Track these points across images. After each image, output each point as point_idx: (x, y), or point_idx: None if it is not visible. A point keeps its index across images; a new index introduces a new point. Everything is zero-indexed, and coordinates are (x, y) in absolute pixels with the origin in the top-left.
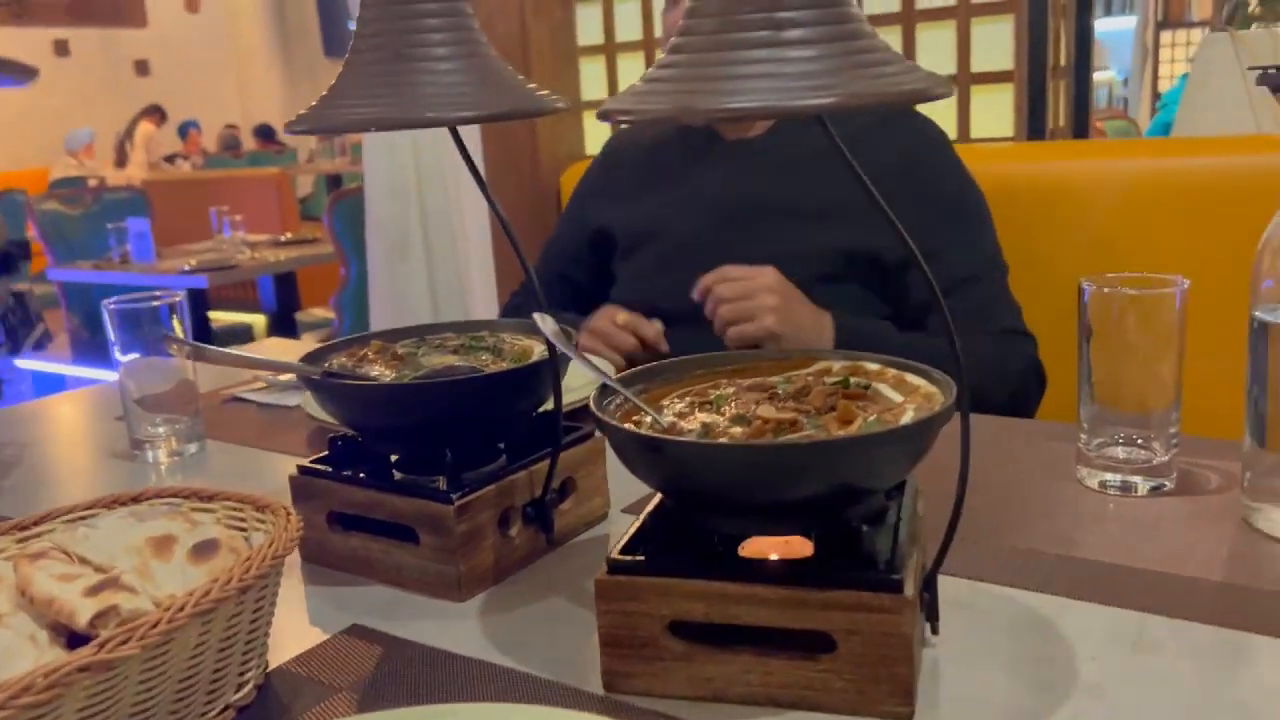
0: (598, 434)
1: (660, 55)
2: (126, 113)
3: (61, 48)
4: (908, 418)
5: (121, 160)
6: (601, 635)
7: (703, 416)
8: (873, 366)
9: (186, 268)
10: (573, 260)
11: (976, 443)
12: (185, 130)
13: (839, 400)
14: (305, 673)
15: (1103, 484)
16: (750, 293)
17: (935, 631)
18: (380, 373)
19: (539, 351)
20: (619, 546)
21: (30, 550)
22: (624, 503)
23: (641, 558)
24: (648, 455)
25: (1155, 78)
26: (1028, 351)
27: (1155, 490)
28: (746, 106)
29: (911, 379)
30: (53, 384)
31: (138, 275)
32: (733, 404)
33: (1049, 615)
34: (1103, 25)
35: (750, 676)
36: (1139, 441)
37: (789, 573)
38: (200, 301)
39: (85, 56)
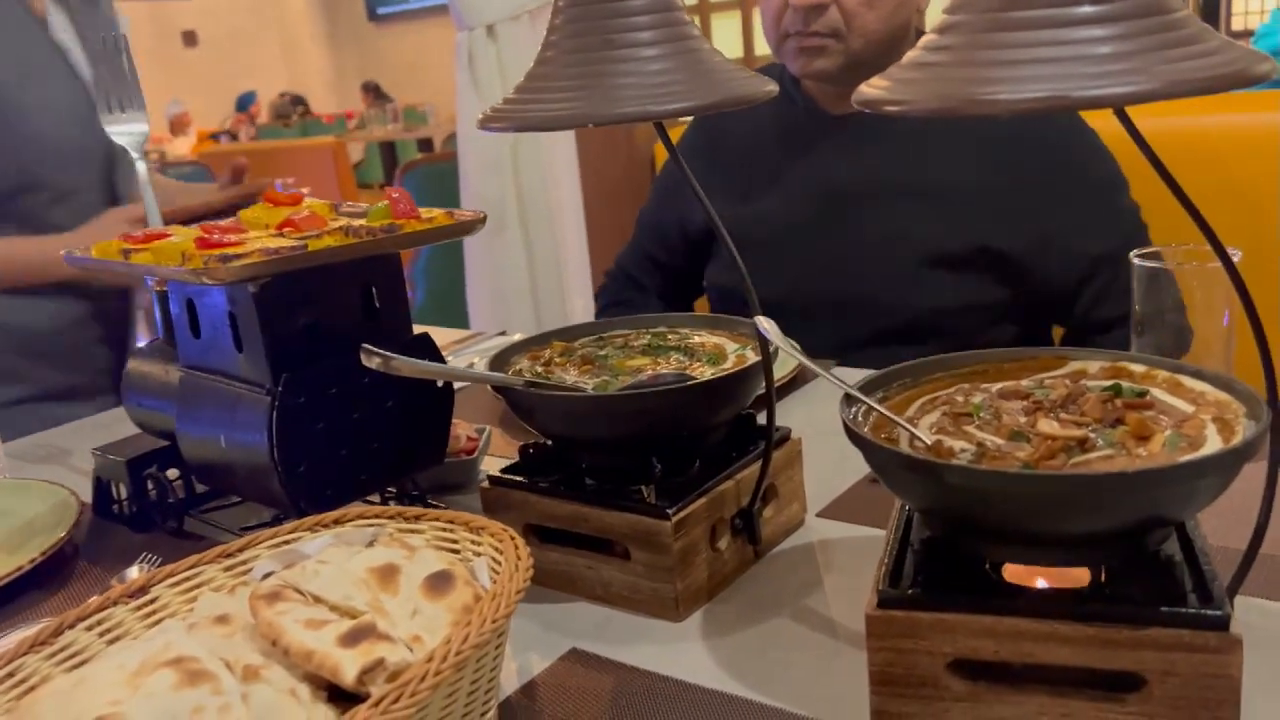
0: (793, 436)
1: (757, 16)
2: (176, 85)
3: None
4: (1211, 433)
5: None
6: (872, 674)
7: (974, 432)
8: (1138, 368)
9: None
10: (664, 246)
11: None
12: (245, 103)
13: (1124, 413)
14: (536, 705)
15: None
16: None
17: None
18: (576, 379)
19: (732, 351)
20: (885, 577)
21: (263, 591)
22: (817, 507)
23: (914, 591)
24: (922, 480)
25: (1228, 15)
26: None
27: None
28: (1030, 98)
29: (1189, 383)
30: None
31: None
32: (995, 415)
33: None
34: None
35: (1045, 719)
36: None
37: (1088, 608)
38: None
39: (134, 28)
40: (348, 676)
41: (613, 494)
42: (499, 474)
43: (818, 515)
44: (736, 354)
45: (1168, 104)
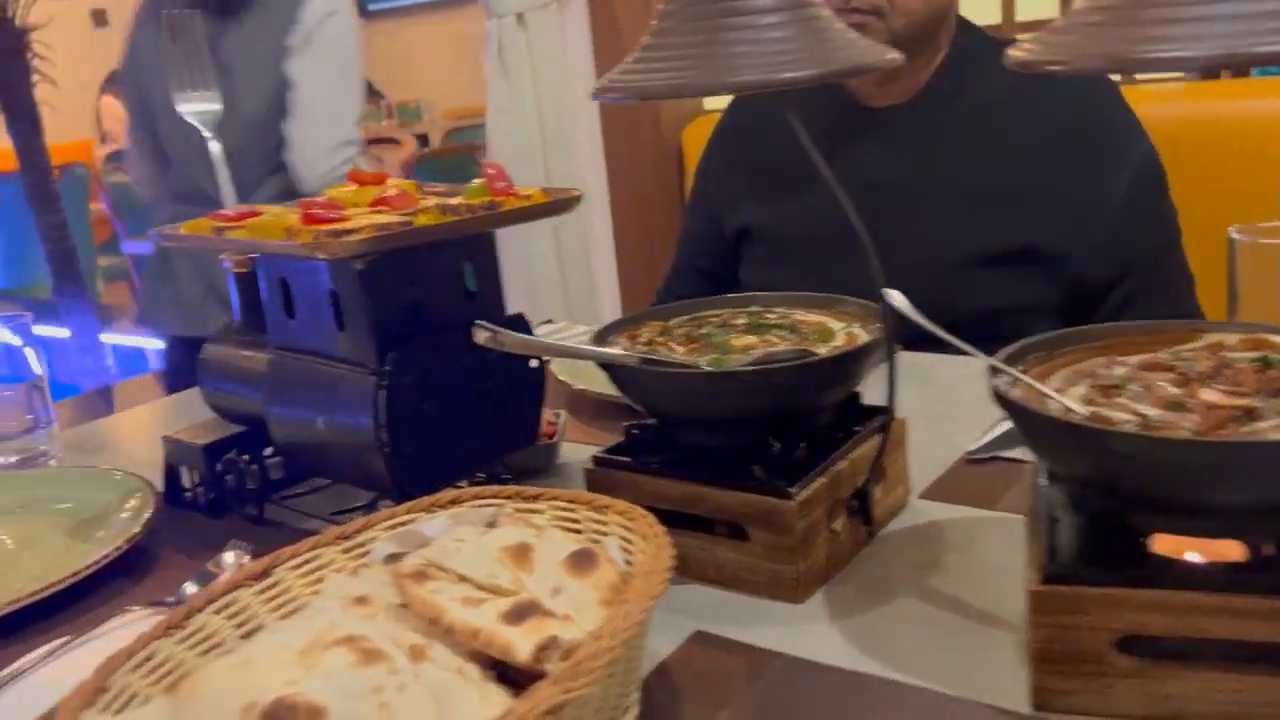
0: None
1: None
2: None
3: (100, 17)
4: None
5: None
6: (1034, 651)
7: (1127, 403)
8: (1277, 339)
9: None
10: (707, 254)
11: None
12: None
13: None
14: (673, 685)
15: None
16: None
17: None
18: (684, 356)
19: (839, 329)
20: (1043, 553)
21: (408, 570)
22: (918, 489)
23: (1077, 565)
24: (1090, 449)
25: None
26: None
27: None
28: (1202, 55)
29: None
30: (133, 356)
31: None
32: (1145, 387)
33: None
34: None
35: (1217, 695)
36: None
37: (1265, 579)
38: None
39: (124, 26)
40: (522, 654)
41: (729, 474)
42: (604, 454)
43: (920, 497)
44: (845, 331)
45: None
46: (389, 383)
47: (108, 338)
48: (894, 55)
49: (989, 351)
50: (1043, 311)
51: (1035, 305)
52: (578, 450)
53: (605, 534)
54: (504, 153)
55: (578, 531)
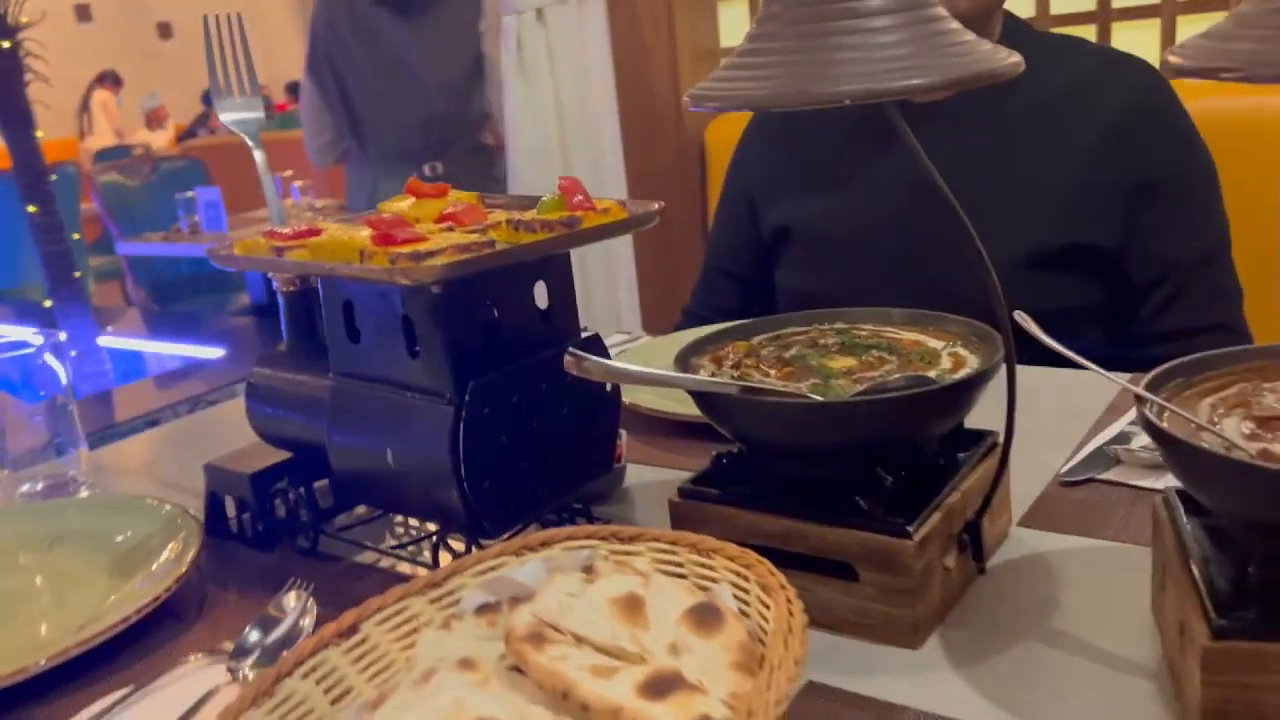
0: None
1: None
2: (152, 78)
3: (84, 13)
4: None
5: (81, 132)
6: (1205, 712)
7: None
8: None
9: None
10: (734, 254)
11: None
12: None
13: None
14: None
15: None
16: None
17: None
18: (783, 382)
19: (942, 349)
20: (1209, 602)
21: (522, 632)
22: (1016, 515)
23: (1257, 618)
24: (1260, 490)
25: None
26: None
27: None
28: None
29: None
30: (131, 360)
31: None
32: None
33: None
34: None
35: None
36: None
37: None
38: None
39: (107, 21)
40: None
41: (835, 508)
42: (690, 485)
43: (1018, 524)
44: (948, 352)
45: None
46: (468, 414)
47: (105, 340)
48: (1016, 60)
49: (1040, 355)
50: (1093, 314)
51: (1084, 307)
52: (637, 473)
53: (714, 579)
54: (523, 152)
55: (682, 577)
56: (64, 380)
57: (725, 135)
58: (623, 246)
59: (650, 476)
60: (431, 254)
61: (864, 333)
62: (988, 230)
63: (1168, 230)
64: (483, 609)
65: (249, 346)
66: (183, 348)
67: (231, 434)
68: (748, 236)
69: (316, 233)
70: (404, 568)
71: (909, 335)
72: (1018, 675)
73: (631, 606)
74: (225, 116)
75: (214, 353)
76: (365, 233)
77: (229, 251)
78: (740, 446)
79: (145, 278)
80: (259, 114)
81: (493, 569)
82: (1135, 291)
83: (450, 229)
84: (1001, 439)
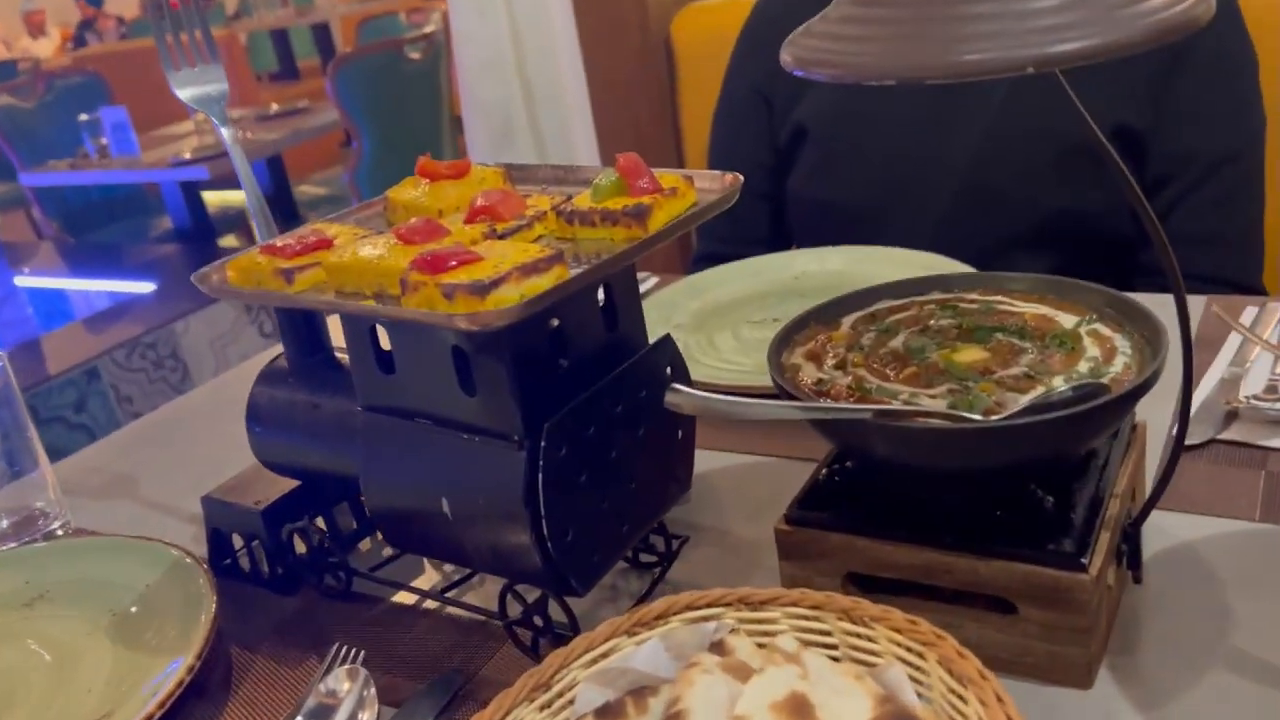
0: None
1: None
2: None
3: None
4: None
5: None
6: None
7: None
8: None
9: (184, 157)
10: (751, 169)
11: None
12: None
13: None
14: None
15: None
16: None
17: None
18: (903, 385)
19: (1080, 328)
20: None
21: None
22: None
23: None
24: None
25: None
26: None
27: None
28: None
29: None
30: (53, 300)
31: (124, 172)
32: None
33: None
34: None
35: None
36: None
37: None
38: (194, 194)
39: None
40: None
41: (985, 537)
42: (800, 510)
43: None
44: (1088, 332)
45: None
46: (545, 460)
47: (22, 281)
48: (1208, 6)
49: (1077, 260)
50: (1120, 214)
51: (1113, 208)
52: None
53: (876, 655)
54: (474, 64)
55: (833, 648)
56: (18, 404)
57: (693, 27)
58: (588, 149)
59: (710, 463)
60: (495, 282)
61: (973, 306)
62: (1029, 119)
63: (1216, 114)
64: (604, 711)
65: (178, 277)
66: (108, 284)
67: (209, 431)
68: (764, 143)
69: (327, 243)
70: (454, 611)
71: (1029, 308)
72: (1211, 713)
73: (800, 713)
74: (183, 92)
75: (144, 287)
76: (391, 241)
77: (223, 281)
78: (848, 461)
79: (55, 209)
80: (222, 86)
81: (604, 654)
82: (1147, 189)
83: (491, 228)
84: (1176, 430)
